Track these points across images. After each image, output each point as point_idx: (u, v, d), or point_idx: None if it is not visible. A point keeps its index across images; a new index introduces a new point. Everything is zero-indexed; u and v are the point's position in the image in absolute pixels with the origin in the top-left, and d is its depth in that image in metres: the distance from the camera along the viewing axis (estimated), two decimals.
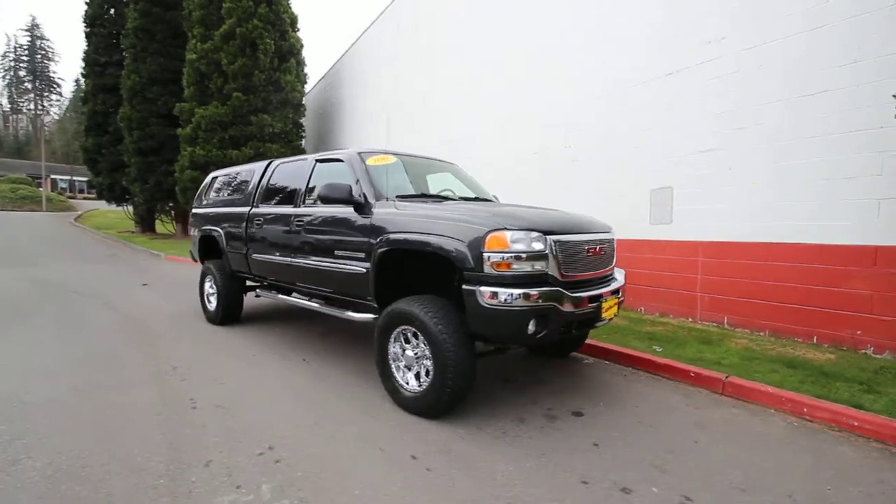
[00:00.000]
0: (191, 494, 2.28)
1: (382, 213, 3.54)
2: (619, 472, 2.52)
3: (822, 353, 4.17)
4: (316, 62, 60.55)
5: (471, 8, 9.05)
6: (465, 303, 2.94)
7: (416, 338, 3.21)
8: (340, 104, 15.71)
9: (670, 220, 5.60)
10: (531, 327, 2.86)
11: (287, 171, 4.95)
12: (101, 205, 29.46)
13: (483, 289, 2.85)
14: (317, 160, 4.50)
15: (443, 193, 4.27)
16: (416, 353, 3.19)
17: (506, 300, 2.80)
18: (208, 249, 6.22)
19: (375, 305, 3.67)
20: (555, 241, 3.01)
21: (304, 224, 4.27)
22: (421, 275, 3.68)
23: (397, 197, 3.75)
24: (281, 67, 14.91)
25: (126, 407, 3.32)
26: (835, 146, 4.18)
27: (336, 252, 3.91)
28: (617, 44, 6.16)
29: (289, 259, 4.47)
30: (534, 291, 2.83)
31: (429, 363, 3.13)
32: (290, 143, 15.56)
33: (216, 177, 6.43)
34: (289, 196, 4.70)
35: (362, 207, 3.72)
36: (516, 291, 2.80)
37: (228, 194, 5.81)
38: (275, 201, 4.89)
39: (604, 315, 3.25)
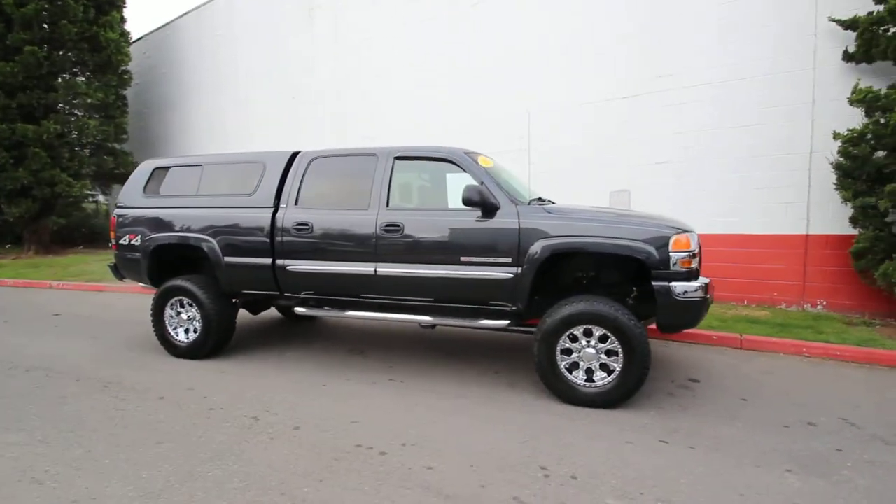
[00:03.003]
0: None
1: (534, 216, 3.54)
2: (788, 413, 3.30)
3: (758, 311, 5.92)
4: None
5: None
6: (656, 298, 3.29)
7: (589, 336, 3.39)
8: (178, 78, 12.96)
9: None
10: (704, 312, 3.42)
11: (338, 167, 4.25)
12: None
13: (675, 284, 3.26)
14: (397, 157, 4.03)
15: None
16: (605, 351, 3.37)
17: (693, 292, 3.28)
18: (165, 265, 4.73)
19: (516, 310, 3.65)
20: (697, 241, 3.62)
21: (399, 230, 3.81)
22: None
23: (533, 201, 3.77)
24: (100, 21, 11.40)
25: (278, 466, 2.54)
26: (759, 165, 5.94)
27: (462, 258, 3.67)
28: (581, 68, 7.11)
29: (370, 269, 3.91)
30: (706, 282, 3.38)
31: (605, 358, 3.36)
32: (112, 120, 12.12)
33: (164, 167, 4.91)
34: (356, 197, 4.05)
35: (493, 211, 3.62)
36: (697, 284, 3.31)
37: (212, 193, 4.54)
38: (327, 204, 4.15)
39: None
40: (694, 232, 3.49)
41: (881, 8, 4.72)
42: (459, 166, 3.84)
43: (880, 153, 4.66)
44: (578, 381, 3.42)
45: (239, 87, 11.49)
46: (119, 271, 4.99)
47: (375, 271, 3.90)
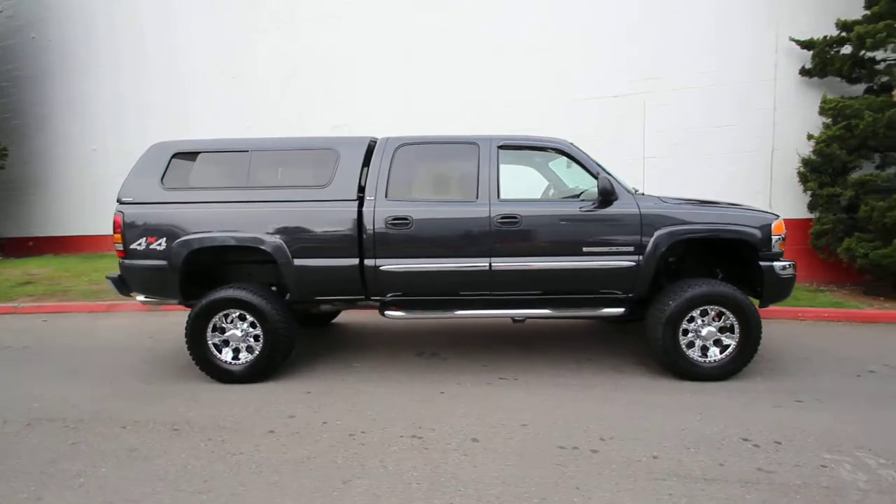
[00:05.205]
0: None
1: (652, 205, 3.71)
2: (847, 366, 3.96)
3: None
4: None
5: None
6: (763, 275, 3.67)
7: (704, 315, 3.67)
8: (57, 46, 10.52)
9: None
10: None
11: (431, 156, 3.98)
12: None
13: (777, 263, 3.70)
14: (500, 146, 3.85)
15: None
16: (718, 328, 3.66)
17: (788, 269, 3.75)
18: (198, 276, 3.90)
19: (630, 297, 3.78)
20: None
21: (517, 222, 3.67)
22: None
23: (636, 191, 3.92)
24: None
25: (512, 481, 2.37)
26: (734, 159, 6.91)
27: (584, 249, 3.69)
28: (569, 68, 7.47)
29: (483, 264, 3.70)
30: (793, 262, 3.87)
31: (719, 335, 3.68)
32: None
33: (187, 153, 4.00)
34: (460, 189, 3.82)
35: (612, 201, 3.69)
36: (789, 262, 3.79)
37: (269, 184, 3.88)
38: (425, 196, 3.84)
39: None
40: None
41: (837, 33, 5.88)
42: (571, 156, 3.84)
43: (838, 151, 5.79)
44: (697, 358, 3.69)
45: (164, 61, 9.69)
46: (126, 284, 3.96)
47: (490, 266, 3.71)
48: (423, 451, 2.74)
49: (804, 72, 6.35)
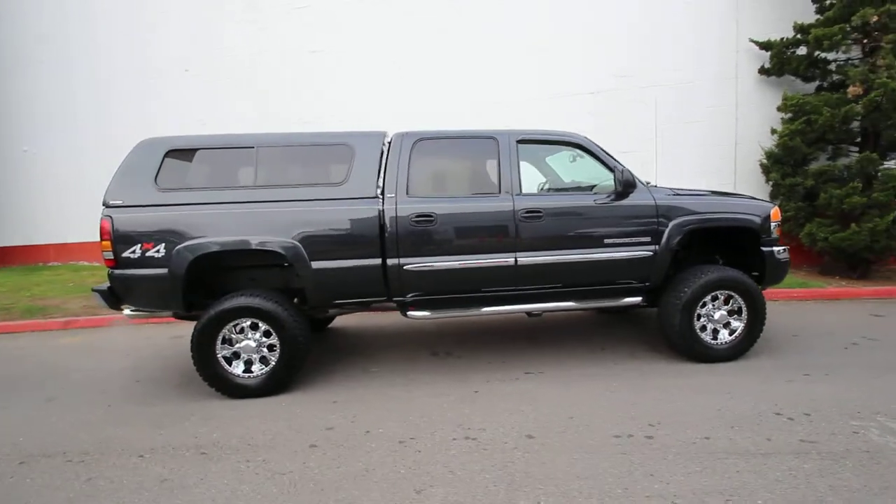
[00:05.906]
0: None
1: (664, 196, 3.85)
2: (831, 340, 4.33)
3: None
4: None
5: None
6: (764, 260, 3.92)
7: (715, 300, 3.87)
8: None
9: None
10: None
11: (450, 151, 3.89)
12: None
13: (775, 248, 3.96)
14: (519, 140, 3.83)
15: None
16: (727, 311, 3.87)
17: (783, 253, 4.03)
18: (197, 284, 3.59)
19: (646, 286, 3.91)
20: None
21: (540, 216, 3.68)
22: None
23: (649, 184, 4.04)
24: None
25: (587, 475, 2.40)
26: (706, 153, 7.34)
27: (606, 240, 3.77)
28: (550, 65, 7.60)
29: (509, 260, 3.68)
30: (787, 247, 4.16)
31: (728, 317, 3.89)
32: None
33: (183, 150, 3.65)
34: (481, 184, 3.77)
35: (626, 194, 3.80)
36: (784, 248, 4.08)
37: (279, 183, 3.61)
38: (446, 192, 3.76)
39: None
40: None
41: (794, 35, 6.41)
42: (588, 151, 3.90)
43: (800, 144, 6.33)
44: (710, 341, 3.88)
45: (126, 54, 8.75)
46: (118, 297, 3.55)
47: (516, 261, 3.69)
48: (484, 451, 2.68)
49: (763, 71, 6.89)
